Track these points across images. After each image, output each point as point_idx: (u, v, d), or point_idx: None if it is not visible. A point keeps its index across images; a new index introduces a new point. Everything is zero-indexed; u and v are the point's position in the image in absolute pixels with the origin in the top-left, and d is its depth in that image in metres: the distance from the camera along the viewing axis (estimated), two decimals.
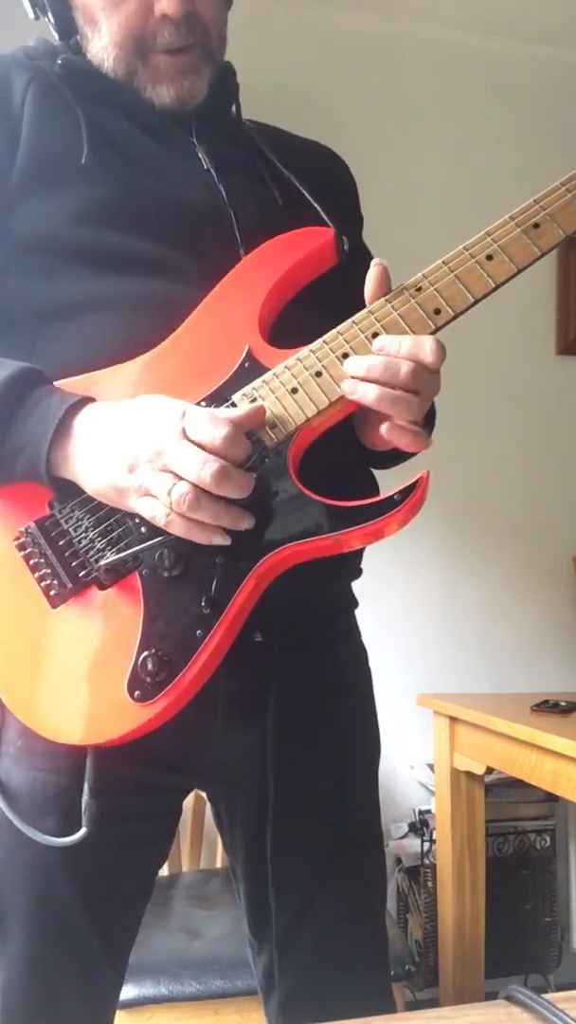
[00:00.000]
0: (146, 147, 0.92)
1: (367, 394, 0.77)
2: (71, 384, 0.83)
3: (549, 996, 0.58)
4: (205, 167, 0.92)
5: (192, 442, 0.72)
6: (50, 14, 0.94)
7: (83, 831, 0.79)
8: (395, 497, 0.75)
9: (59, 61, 0.92)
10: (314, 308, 0.84)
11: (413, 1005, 2.06)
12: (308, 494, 0.77)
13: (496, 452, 2.45)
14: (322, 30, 2.40)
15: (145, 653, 0.76)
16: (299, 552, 0.76)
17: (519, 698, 1.94)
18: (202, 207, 0.90)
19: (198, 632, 0.76)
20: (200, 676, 0.76)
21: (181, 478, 0.71)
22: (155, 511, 0.73)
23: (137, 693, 0.75)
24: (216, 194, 0.90)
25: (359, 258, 0.90)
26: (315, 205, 0.93)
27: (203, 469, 0.70)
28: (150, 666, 0.75)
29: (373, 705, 0.99)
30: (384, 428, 0.79)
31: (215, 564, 0.77)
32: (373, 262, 0.81)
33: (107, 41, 0.90)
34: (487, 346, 2.42)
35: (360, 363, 0.78)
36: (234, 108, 1.02)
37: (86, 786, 0.79)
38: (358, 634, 1.00)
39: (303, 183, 0.96)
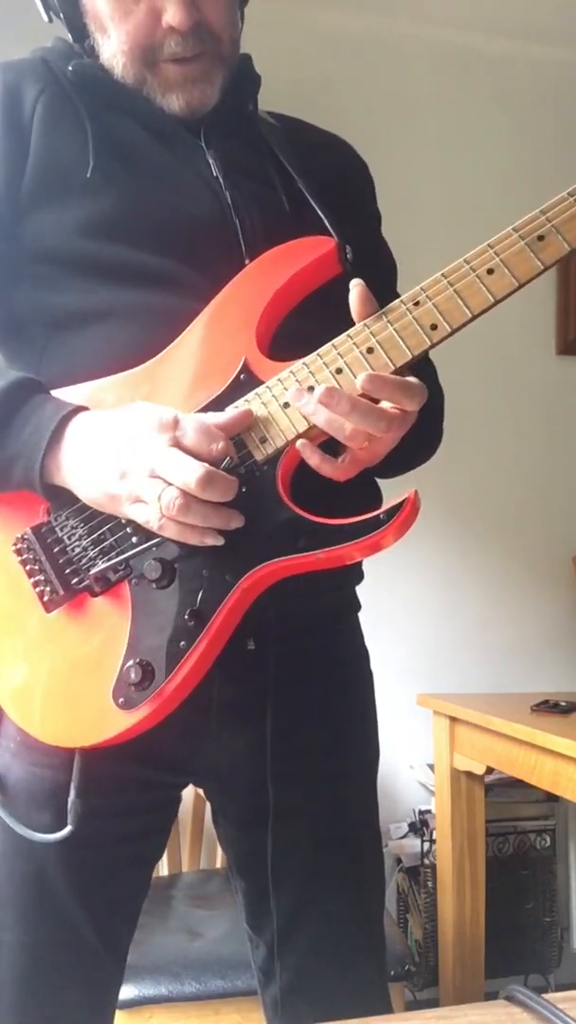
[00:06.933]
0: (154, 155, 0.92)
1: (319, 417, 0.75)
2: (71, 392, 0.84)
3: (549, 996, 0.58)
4: (214, 173, 0.92)
5: (181, 448, 0.73)
6: (62, 16, 0.94)
7: (68, 829, 0.81)
8: (380, 517, 0.74)
9: (71, 67, 0.92)
10: (320, 317, 0.81)
11: (413, 1005, 2.06)
12: (295, 510, 0.76)
13: (496, 452, 2.45)
14: (322, 30, 2.39)
15: (130, 662, 0.77)
16: (284, 568, 0.77)
17: (519, 698, 1.94)
18: (206, 217, 0.90)
19: (182, 643, 0.77)
20: (183, 687, 0.77)
21: (169, 483, 0.73)
22: (148, 516, 0.75)
23: (121, 700, 0.77)
24: (222, 202, 0.90)
25: (372, 259, 0.88)
26: (320, 214, 0.92)
27: (190, 475, 0.71)
28: (133, 675, 0.77)
29: (373, 708, 0.99)
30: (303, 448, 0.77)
31: (201, 576, 0.77)
32: (351, 284, 0.79)
33: (116, 49, 0.90)
34: (487, 346, 2.42)
35: (310, 406, 0.76)
36: (251, 104, 1.00)
37: (72, 785, 0.82)
38: (360, 636, 1.00)
39: (316, 183, 0.95)
